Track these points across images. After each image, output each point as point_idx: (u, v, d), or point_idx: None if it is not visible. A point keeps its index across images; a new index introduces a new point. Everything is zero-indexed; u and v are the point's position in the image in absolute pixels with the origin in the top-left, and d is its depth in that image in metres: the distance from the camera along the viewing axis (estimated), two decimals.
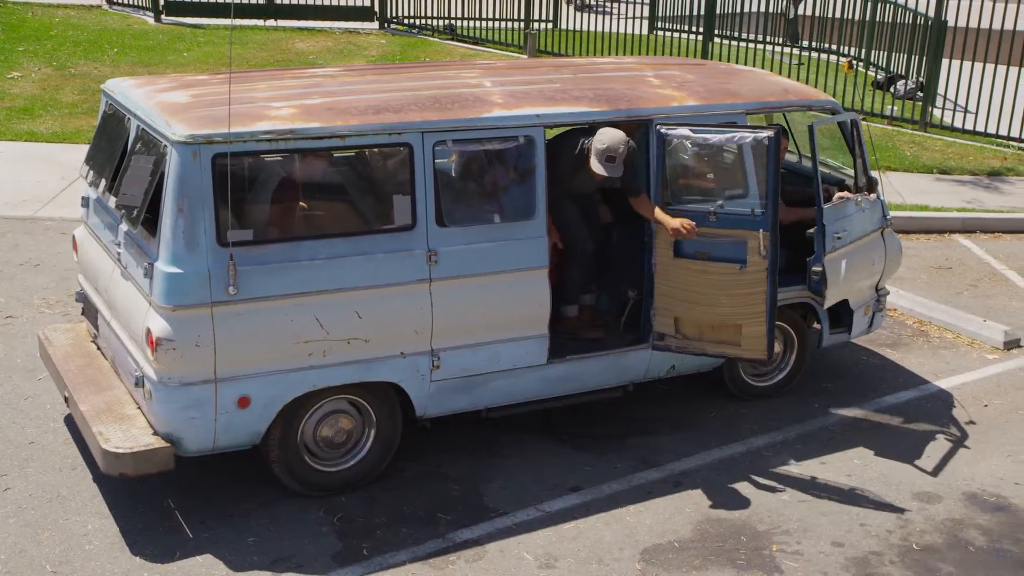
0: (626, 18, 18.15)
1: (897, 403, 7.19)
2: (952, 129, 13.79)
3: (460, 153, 5.91)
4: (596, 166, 6.05)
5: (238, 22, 18.19)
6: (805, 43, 16.43)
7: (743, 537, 5.65)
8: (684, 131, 6.00)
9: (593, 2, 20.59)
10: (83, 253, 6.38)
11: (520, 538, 5.55)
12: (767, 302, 5.94)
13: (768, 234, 5.89)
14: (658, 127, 6.03)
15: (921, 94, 14.29)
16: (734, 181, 6.21)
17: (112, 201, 5.72)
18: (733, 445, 6.53)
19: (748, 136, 5.95)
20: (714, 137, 5.99)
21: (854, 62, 15.64)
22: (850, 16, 16.02)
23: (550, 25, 18.11)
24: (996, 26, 13.93)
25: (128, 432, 5.40)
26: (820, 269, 6.42)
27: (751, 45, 16.08)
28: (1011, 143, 13.43)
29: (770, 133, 5.87)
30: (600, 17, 18.06)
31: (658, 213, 6.09)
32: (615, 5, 20.37)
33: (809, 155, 7.52)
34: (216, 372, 5.26)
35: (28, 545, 5.33)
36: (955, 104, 14.23)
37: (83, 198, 6.38)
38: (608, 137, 6.02)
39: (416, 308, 5.63)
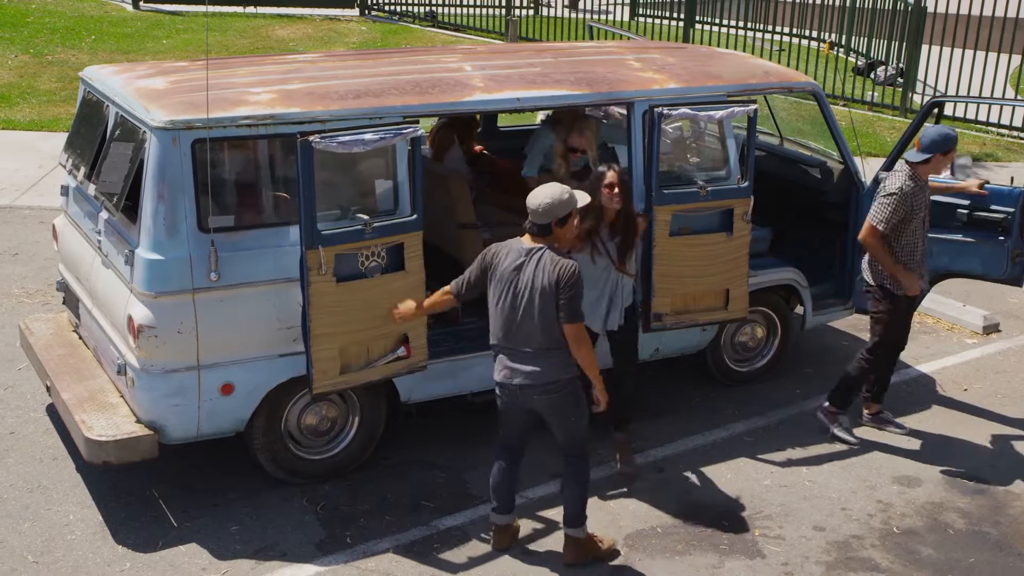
0: (613, 3, 18.11)
1: None
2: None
3: None
4: None
5: (217, 9, 18.09)
6: (786, 29, 16.45)
7: (725, 522, 5.67)
8: (685, 110, 6.03)
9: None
10: (64, 242, 6.33)
11: None
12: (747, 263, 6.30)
13: (751, 200, 6.13)
14: (656, 108, 5.97)
15: (901, 80, 14.34)
16: (720, 155, 6.31)
17: (92, 189, 5.67)
18: (715, 431, 6.55)
19: (737, 109, 6.03)
20: (718, 113, 6.08)
21: (835, 45, 15.68)
22: (831, 2, 16.05)
23: (531, 12, 18.07)
24: (975, 12, 13.99)
25: (111, 420, 5.37)
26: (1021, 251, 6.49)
27: (731, 31, 16.10)
28: (990, 129, 13.48)
29: (754, 106, 6.04)
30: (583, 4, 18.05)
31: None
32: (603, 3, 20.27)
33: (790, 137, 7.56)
34: (199, 359, 5.24)
35: (9, 535, 5.30)
36: (935, 90, 14.27)
37: (63, 186, 6.33)
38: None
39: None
